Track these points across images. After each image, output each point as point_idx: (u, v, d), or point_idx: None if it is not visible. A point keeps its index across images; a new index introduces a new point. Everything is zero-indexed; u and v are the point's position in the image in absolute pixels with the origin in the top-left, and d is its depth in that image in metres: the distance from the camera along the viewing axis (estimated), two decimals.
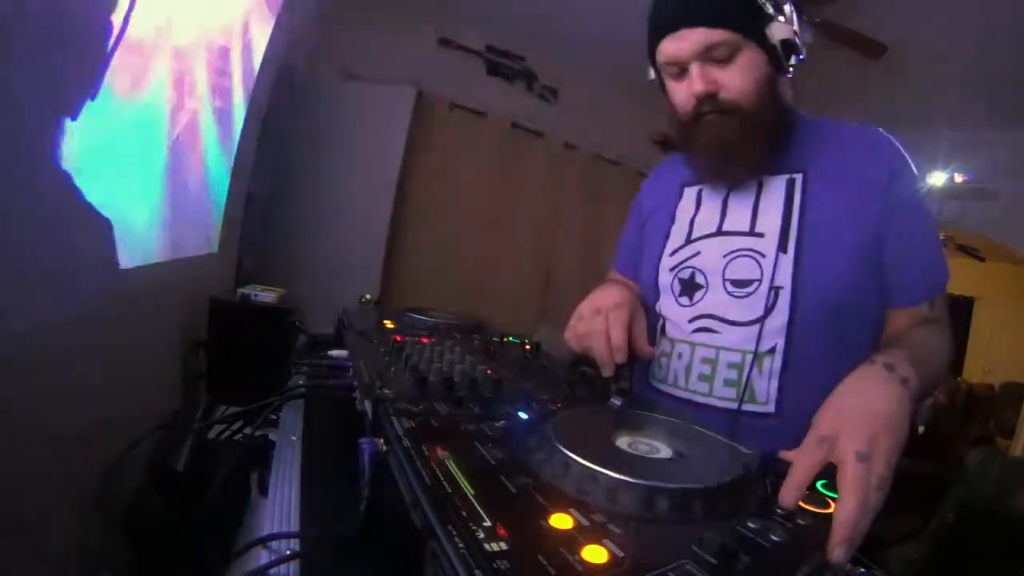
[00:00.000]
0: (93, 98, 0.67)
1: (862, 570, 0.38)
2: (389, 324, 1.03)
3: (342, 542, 0.47)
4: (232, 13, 1.32)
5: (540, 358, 0.90)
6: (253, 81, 1.64)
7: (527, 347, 0.98)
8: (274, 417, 0.79)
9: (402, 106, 2.78)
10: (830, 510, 0.44)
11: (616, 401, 0.66)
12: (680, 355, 0.84)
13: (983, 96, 2.83)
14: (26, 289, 0.59)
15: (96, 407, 0.77)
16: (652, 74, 0.87)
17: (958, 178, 3.22)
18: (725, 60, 0.74)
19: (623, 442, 0.49)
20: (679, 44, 0.75)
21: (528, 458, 0.46)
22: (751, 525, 0.39)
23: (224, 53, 1.32)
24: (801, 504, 0.44)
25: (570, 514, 0.37)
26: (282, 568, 0.45)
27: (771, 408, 0.76)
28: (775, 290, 0.76)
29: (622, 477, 0.40)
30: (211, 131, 1.33)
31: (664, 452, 0.50)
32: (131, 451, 0.77)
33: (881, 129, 0.81)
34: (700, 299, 0.83)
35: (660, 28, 0.77)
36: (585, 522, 0.37)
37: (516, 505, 0.39)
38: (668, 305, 0.88)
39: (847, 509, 0.42)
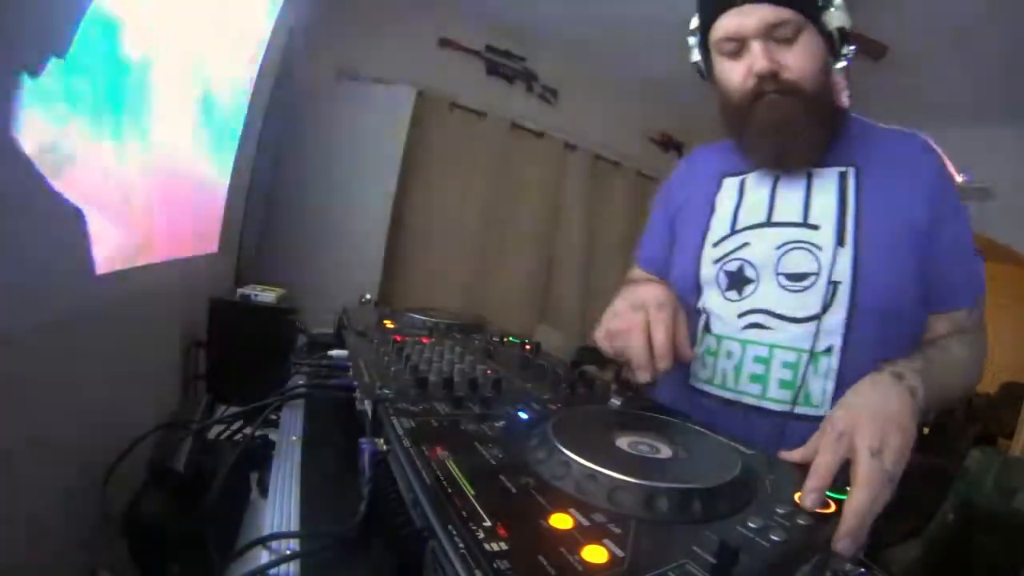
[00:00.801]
0: (61, 55, 0.53)
1: (862, 570, 0.38)
2: (389, 324, 1.03)
3: (342, 542, 0.47)
4: (233, 10, 1.32)
5: (540, 358, 0.90)
6: (254, 80, 1.63)
7: (527, 347, 0.98)
8: (274, 417, 0.79)
9: (402, 106, 2.78)
10: (831, 510, 0.44)
11: (616, 401, 0.66)
12: (729, 353, 0.80)
13: (983, 96, 2.83)
14: (22, 287, 0.59)
15: (96, 407, 0.77)
16: (697, 55, 0.84)
17: (958, 178, 3.21)
18: (787, 41, 0.73)
19: (623, 442, 0.49)
20: (742, 19, 0.73)
21: (528, 458, 0.46)
22: (751, 525, 0.39)
23: (224, 52, 1.32)
24: (800, 503, 0.44)
25: (570, 514, 0.37)
26: (282, 568, 0.45)
27: (824, 411, 0.73)
28: (834, 285, 0.73)
29: (622, 477, 0.40)
30: (210, 130, 1.33)
31: (664, 452, 0.49)
32: (131, 451, 0.77)
33: (925, 138, 0.80)
34: (750, 293, 0.79)
35: (723, 2, 0.75)
36: (585, 522, 0.37)
37: (516, 505, 0.39)
38: (713, 300, 0.84)
39: (858, 501, 0.43)
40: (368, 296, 1.32)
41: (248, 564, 0.47)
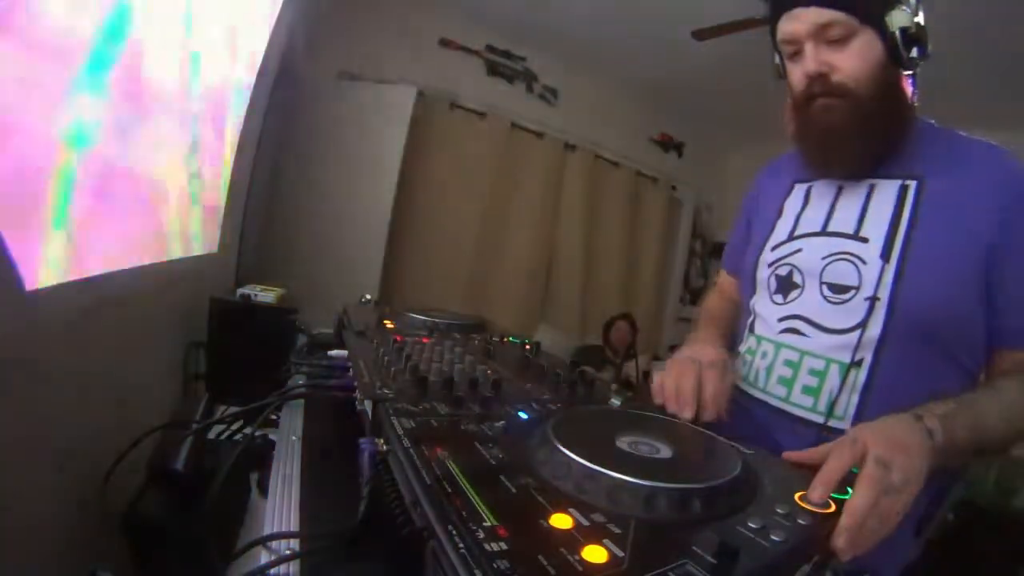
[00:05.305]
0: None
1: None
2: (389, 324, 1.03)
3: (342, 542, 0.47)
4: (232, 11, 1.31)
5: (540, 358, 0.90)
6: (254, 80, 1.63)
7: (527, 347, 0.98)
8: (274, 417, 0.79)
9: (402, 106, 2.78)
10: (831, 510, 0.44)
11: (616, 401, 0.66)
12: (764, 354, 0.82)
13: (983, 96, 2.83)
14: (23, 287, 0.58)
15: (96, 407, 0.77)
16: (776, 58, 0.84)
17: None
18: (840, 42, 0.72)
19: (623, 442, 0.49)
20: (794, 24, 0.74)
21: (528, 458, 0.46)
22: (751, 525, 0.39)
23: (223, 54, 1.31)
24: (800, 503, 0.44)
25: (570, 514, 0.37)
26: (282, 568, 0.45)
27: (847, 424, 0.72)
28: (872, 300, 0.72)
29: (622, 477, 0.40)
30: (210, 130, 1.33)
31: (664, 452, 0.50)
32: (131, 451, 0.77)
33: (1007, 152, 0.74)
34: (794, 299, 0.80)
35: (778, 6, 0.76)
36: (585, 522, 0.37)
37: (516, 505, 0.39)
38: (762, 301, 0.86)
39: (859, 499, 0.44)
40: (368, 296, 1.32)
41: (248, 564, 0.47)
